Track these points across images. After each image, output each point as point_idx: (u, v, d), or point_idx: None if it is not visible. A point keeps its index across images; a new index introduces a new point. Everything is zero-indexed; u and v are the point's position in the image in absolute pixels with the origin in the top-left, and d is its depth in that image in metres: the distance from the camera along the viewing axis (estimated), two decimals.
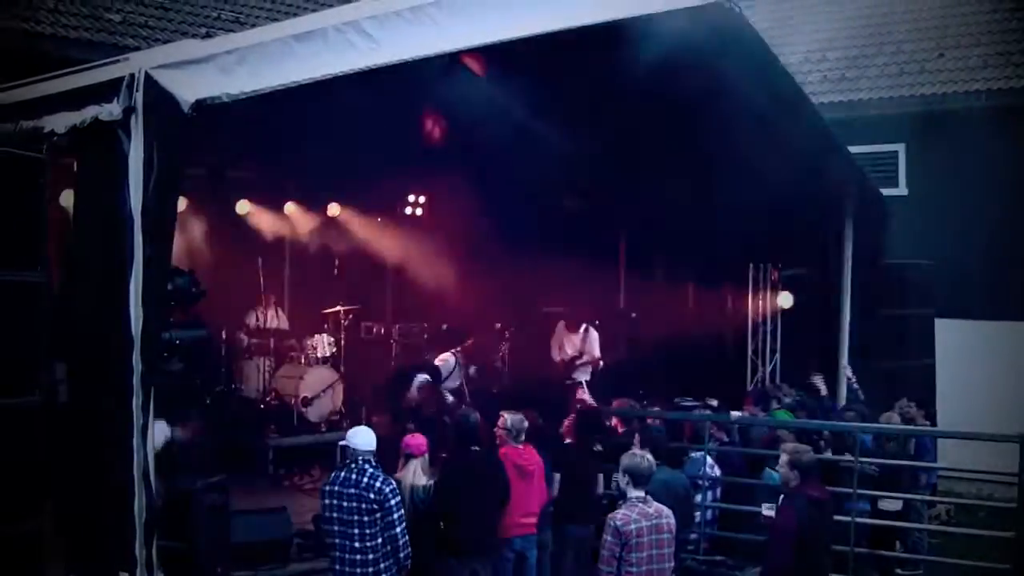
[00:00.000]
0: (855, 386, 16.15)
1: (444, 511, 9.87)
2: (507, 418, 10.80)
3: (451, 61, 12.62)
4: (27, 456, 7.98)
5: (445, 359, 15.18)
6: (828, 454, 12.61)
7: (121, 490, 8.34)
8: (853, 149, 16.76)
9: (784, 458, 9.68)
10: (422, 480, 9.88)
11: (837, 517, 10.65)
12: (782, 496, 9.62)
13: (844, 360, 16.49)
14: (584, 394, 15.34)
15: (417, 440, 10.09)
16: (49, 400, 8.72)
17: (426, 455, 10.10)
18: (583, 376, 16.44)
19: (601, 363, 16.72)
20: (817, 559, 9.46)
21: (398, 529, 9.03)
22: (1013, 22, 21.75)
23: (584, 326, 16.69)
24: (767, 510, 9.77)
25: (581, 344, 16.42)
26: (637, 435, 11.14)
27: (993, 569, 11.78)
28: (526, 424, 10.80)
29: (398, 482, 9.56)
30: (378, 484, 8.98)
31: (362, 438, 9.27)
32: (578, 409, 12.99)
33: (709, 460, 12.45)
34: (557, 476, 11.21)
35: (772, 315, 18.36)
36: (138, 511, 8.33)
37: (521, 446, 10.69)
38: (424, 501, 9.81)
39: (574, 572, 11.31)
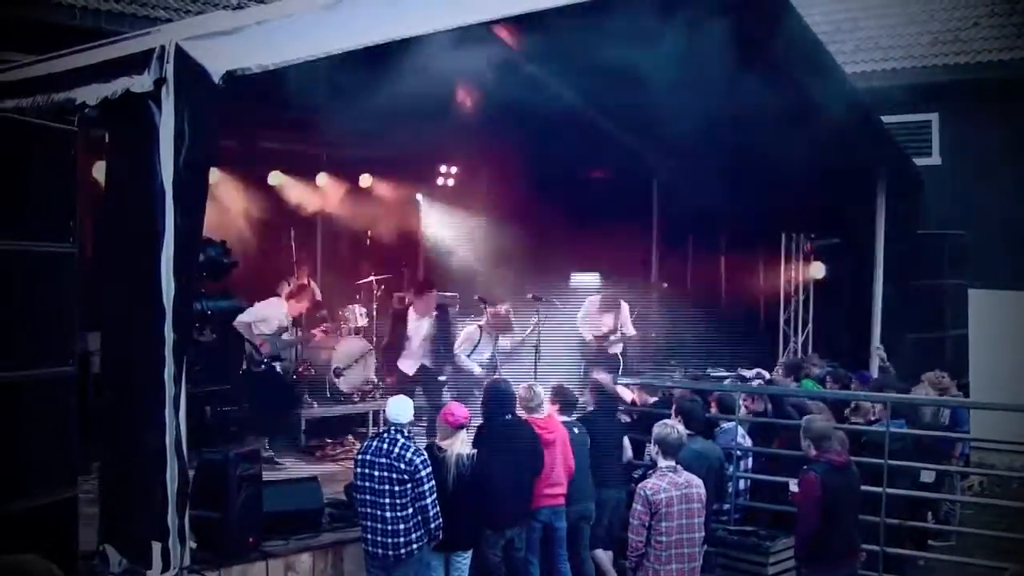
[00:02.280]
0: (885, 360, 16.04)
1: (479, 480, 9.82)
2: (523, 387, 10.72)
3: (484, 31, 12.56)
4: (61, 427, 8.03)
5: (469, 333, 14.96)
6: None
7: (153, 460, 8.41)
8: (886, 118, 16.65)
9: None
10: (466, 449, 9.81)
11: (869, 488, 10.61)
12: (805, 466, 9.62)
13: (876, 340, 16.45)
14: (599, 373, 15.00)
15: (462, 411, 9.95)
16: (82, 371, 8.77)
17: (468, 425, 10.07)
18: (616, 350, 16.28)
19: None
20: (844, 524, 9.43)
21: (428, 500, 9.06)
22: None
23: (618, 301, 16.47)
24: (795, 486, 9.74)
25: (615, 320, 16.24)
26: (674, 405, 11.12)
27: None
28: (540, 393, 10.72)
29: (444, 451, 9.59)
30: (408, 455, 9.00)
31: (396, 408, 9.31)
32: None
33: (740, 431, 12.39)
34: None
35: (804, 285, 18.31)
36: (170, 481, 8.40)
37: (542, 416, 10.60)
38: (468, 468, 9.77)
39: (608, 537, 11.33)
